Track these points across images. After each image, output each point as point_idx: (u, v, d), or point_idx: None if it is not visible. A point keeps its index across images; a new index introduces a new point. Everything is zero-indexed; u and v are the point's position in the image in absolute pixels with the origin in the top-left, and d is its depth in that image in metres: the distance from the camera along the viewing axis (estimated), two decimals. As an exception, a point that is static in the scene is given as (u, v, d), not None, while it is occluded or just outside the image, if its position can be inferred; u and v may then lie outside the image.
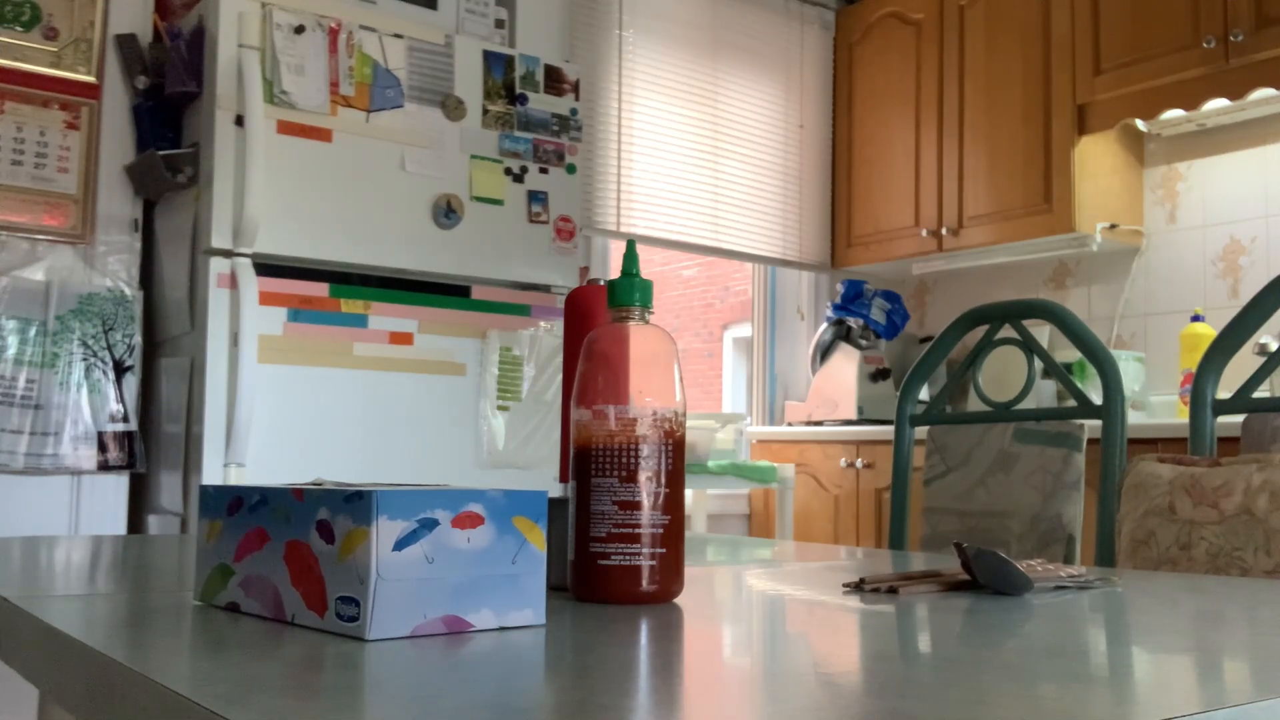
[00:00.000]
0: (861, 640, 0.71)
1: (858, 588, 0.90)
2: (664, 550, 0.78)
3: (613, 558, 0.77)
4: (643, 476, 0.78)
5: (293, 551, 0.68)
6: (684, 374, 0.82)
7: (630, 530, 0.77)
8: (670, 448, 0.79)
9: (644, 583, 0.77)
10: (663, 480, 0.78)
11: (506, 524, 0.66)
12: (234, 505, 0.74)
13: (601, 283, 0.88)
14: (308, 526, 0.66)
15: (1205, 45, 3.03)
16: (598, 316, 0.85)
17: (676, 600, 0.81)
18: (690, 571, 1.03)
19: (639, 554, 0.77)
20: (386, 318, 2.65)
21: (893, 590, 0.88)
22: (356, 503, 0.63)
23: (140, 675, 0.52)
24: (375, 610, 0.62)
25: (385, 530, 0.62)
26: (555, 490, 2.68)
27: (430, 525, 0.64)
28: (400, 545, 0.63)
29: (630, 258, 0.81)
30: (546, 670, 0.58)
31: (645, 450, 0.78)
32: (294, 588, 0.67)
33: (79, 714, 0.62)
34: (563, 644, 0.66)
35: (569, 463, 0.83)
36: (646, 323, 0.81)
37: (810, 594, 0.93)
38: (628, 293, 0.81)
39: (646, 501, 0.78)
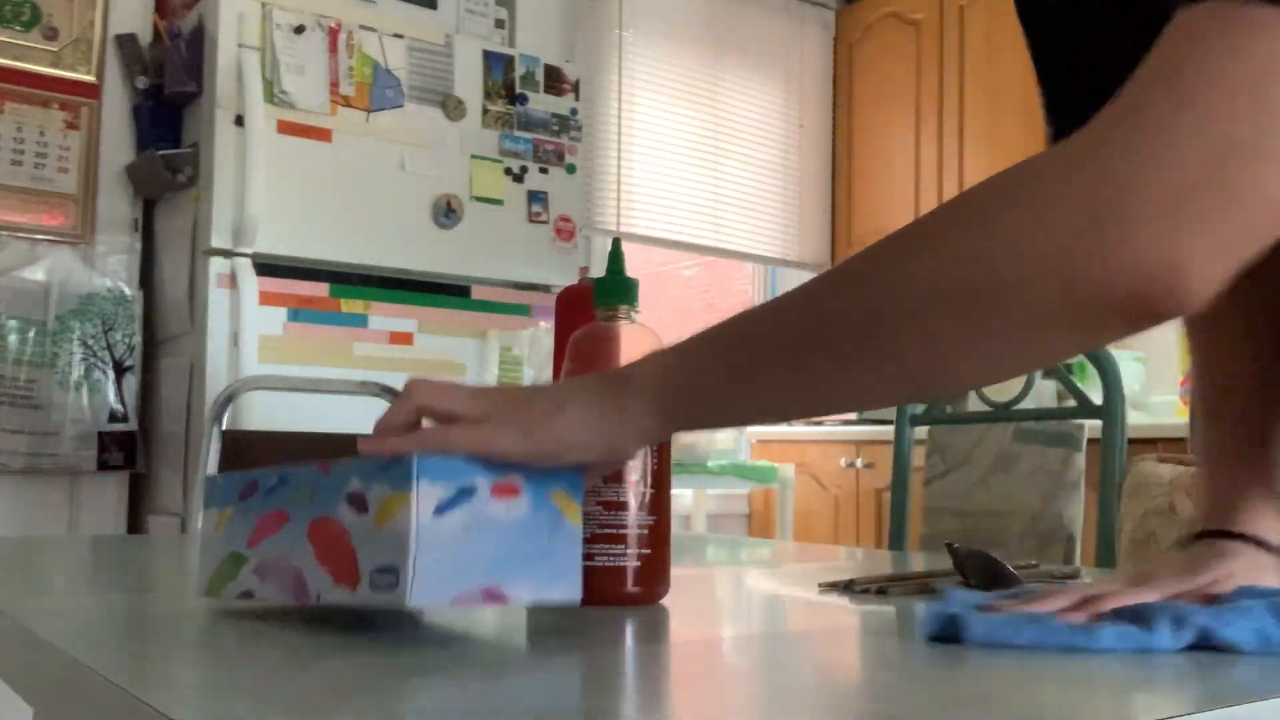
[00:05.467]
0: (859, 640, 0.70)
1: (847, 588, 0.90)
2: (649, 551, 0.77)
3: (597, 559, 0.76)
4: (628, 477, 0.77)
5: (317, 529, 0.65)
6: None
7: (615, 531, 0.77)
8: (656, 448, 0.79)
9: (629, 584, 0.77)
10: (648, 481, 0.78)
11: (543, 497, 0.64)
12: (247, 490, 0.72)
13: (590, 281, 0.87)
14: (336, 500, 0.64)
15: (1207, 44, 3.02)
16: (586, 315, 0.84)
17: (663, 601, 0.80)
18: (685, 572, 1.02)
19: (624, 555, 0.77)
20: (386, 318, 2.65)
21: (882, 591, 0.88)
22: (395, 468, 0.61)
23: (139, 699, 0.51)
24: (416, 576, 0.59)
25: (426, 494, 0.60)
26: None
27: (469, 493, 0.62)
28: (440, 510, 0.60)
29: (615, 256, 0.81)
30: (529, 672, 0.58)
31: (632, 450, 0.77)
32: (319, 565, 0.65)
33: None
34: (545, 646, 0.65)
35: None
36: (633, 321, 0.80)
37: (803, 594, 0.93)
38: (612, 291, 0.80)
39: (632, 502, 0.77)
